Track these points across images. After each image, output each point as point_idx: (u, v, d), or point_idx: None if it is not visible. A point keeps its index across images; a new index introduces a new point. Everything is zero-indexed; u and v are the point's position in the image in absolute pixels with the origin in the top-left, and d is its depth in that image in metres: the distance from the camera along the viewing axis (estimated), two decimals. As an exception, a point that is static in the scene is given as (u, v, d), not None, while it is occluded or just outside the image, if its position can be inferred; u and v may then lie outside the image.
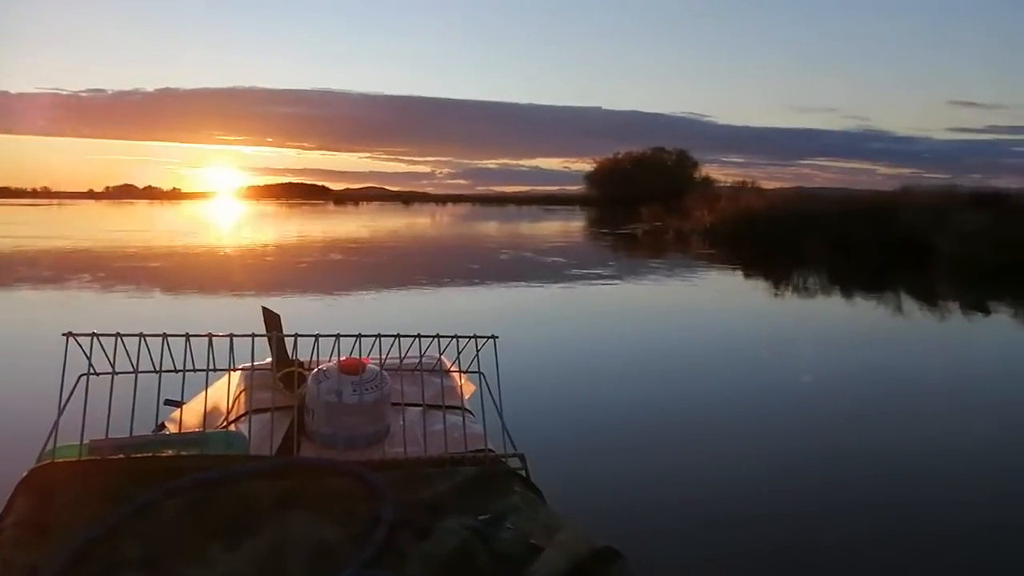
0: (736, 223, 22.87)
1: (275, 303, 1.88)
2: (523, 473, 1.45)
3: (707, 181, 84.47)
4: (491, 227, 38.56)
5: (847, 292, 12.99)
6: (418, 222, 42.72)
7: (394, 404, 1.59)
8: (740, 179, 31.80)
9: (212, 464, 1.30)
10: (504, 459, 1.47)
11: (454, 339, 1.66)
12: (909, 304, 11.46)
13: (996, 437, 4.89)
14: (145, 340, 1.46)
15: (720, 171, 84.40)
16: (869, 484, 4.05)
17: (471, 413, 1.70)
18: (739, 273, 16.78)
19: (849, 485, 4.04)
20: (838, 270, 16.27)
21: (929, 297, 12.39)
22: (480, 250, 21.38)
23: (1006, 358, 7.88)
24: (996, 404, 5.72)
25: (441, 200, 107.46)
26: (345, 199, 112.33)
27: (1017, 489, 4.06)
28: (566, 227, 37.01)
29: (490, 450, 1.51)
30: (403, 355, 1.67)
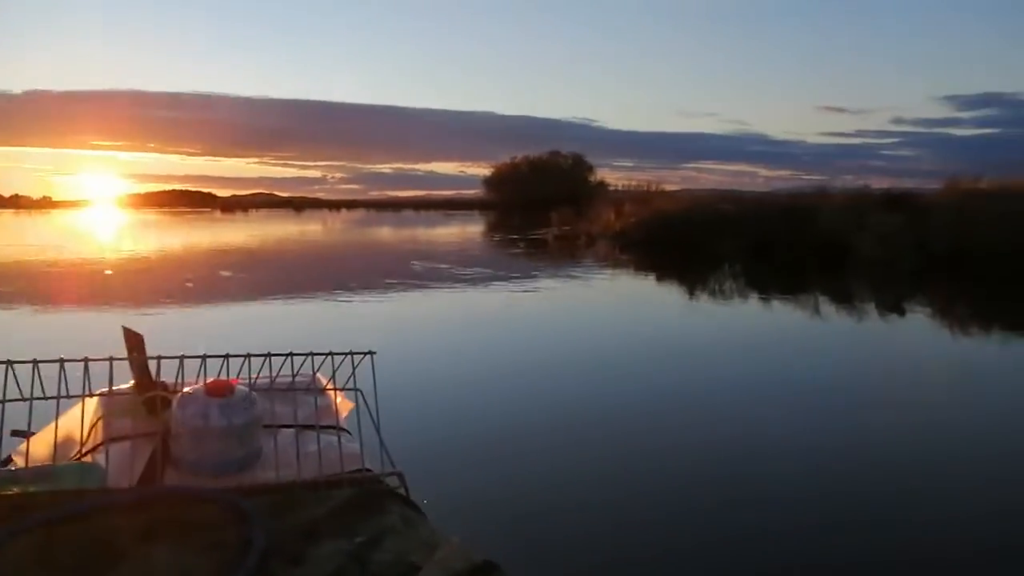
0: (649, 227, 22.83)
1: (139, 322, 1.79)
2: (402, 491, 1.44)
3: (602, 184, 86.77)
4: (389, 234, 38.09)
5: (766, 296, 13.07)
6: (309, 229, 41.72)
7: (266, 426, 1.54)
8: (639, 182, 32.34)
9: (64, 499, 1.23)
10: (382, 478, 1.45)
11: (329, 356, 1.62)
12: (830, 308, 11.64)
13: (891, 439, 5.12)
14: None
15: (612, 175, 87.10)
16: (756, 483, 4.23)
17: (348, 432, 1.66)
18: (651, 278, 16.91)
19: (733, 487, 4.20)
20: (758, 273, 16.42)
21: (853, 300, 12.61)
22: (379, 260, 20.96)
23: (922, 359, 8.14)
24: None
25: (335, 206, 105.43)
26: (233, 206, 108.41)
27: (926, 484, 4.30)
28: (470, 233, 36.75)
29: (367, 469, 1.48)
30: (275, 375, 1.63)
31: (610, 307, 12.24)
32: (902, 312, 11.45)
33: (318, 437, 1.54)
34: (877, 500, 4.02)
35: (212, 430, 1.43)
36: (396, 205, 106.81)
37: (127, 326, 1.67)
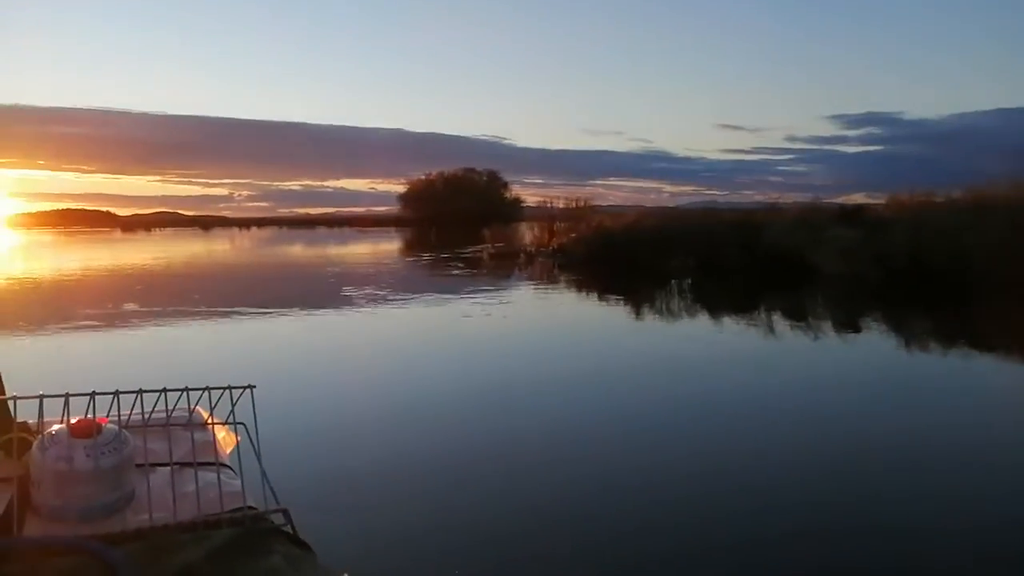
0: (591, 244, 22.36)
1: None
2: (288, 529, 1.37)
3: (517, 201, 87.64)
4: (305, 253, 37.03)
5: (720, 314, 12.69)
6: (217, 249, 40.36)
7: (139, 466, 1.45)
8: (567, 199, 31.32)
9: None
10: (266, 516, 1.38)
11: (206, 391, 1.54)
12: (803, 324, 11.47)
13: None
14: None
15: (522, 191, 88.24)
16: (694, 508, 4.27)
17: (230, 469, 1.57)
18: (594, 297, 16.52)
19: (668, 513, 4.24)
20: (708, 291, 16.07)
21: (828, 316, 12.58)
22: (301, 283, 20.20)
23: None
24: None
25: (244, 224, 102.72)
26: (134, 226, 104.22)
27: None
28: (393, 251, 35.73)
29: (251, 507, 1.40)
30: (150, 411, 1.53)
31: (538, 327, 12.23)
32: (886, 326, 11.45)
33: (196, 475, 1.44)
34: (838, 507, 4.15)
35: (77, 473, 1.32)
36: (309, 223, 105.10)
37: None
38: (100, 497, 1.35)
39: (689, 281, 17.35)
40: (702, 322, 12.27)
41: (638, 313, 13.51)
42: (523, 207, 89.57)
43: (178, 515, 1.34)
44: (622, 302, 15.30)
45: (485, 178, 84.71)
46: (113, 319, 11.97)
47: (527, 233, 28.42)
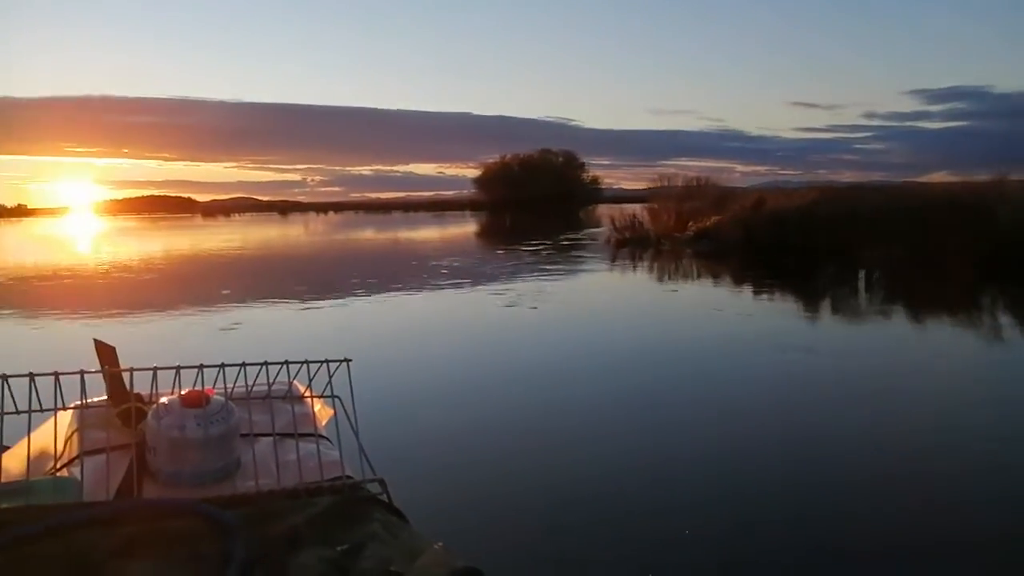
0: (753, 227, 19.01)
1: (111, 334, 1.81)
2: (384, 498, 1.45)
3: (595, 182, 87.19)
4: (391, 237, 36.84)
5: (951, 324, 10.12)
6: (301, 233, 41.24)
7: (244, 436, 1.56)
8: (688, 177, 28.21)
9: (37, 515, 1.23)
10: (363, 485, 1.47)
11: (304, 364, 1.64)
12: None
13: None
14: None
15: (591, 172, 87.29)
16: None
17: (327, 440, 1.68)
18: (754, 286, 13.90)
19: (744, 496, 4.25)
20: (926, 290, 12.80)
21: None
22: (413, 274, 17.53)
23: None
24: None
25: (320, 209, 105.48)
26: (214, 211, 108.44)
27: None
28: (482, 237, 34.38)
29: (348, 477, 1.50)
30: (252, 384, 1.65)
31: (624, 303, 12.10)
32: None
33: (297, 445, 1.55)
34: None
35: (189, 441, 1.44)
36: (383, 207, 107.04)
37: (98, 339, 1.68)
38: (210, 464, 1.47)
39: (884, 274, 14.22)
40: (934, 334, 9.44)
41: (839, 319, 10.77)
42: (601, 189, 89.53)
43: (281, 482, 1.44)
44: (812, 304, 12.08)
45: (561, 159, 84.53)
46: (217, 299, 12.63)
47: (660, 215, 24.47)
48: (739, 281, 14.75)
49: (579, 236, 28.80)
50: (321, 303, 12.00)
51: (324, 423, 1.74)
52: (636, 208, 27.58)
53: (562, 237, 28.70)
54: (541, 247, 24.22)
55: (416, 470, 4.13)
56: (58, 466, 1.56)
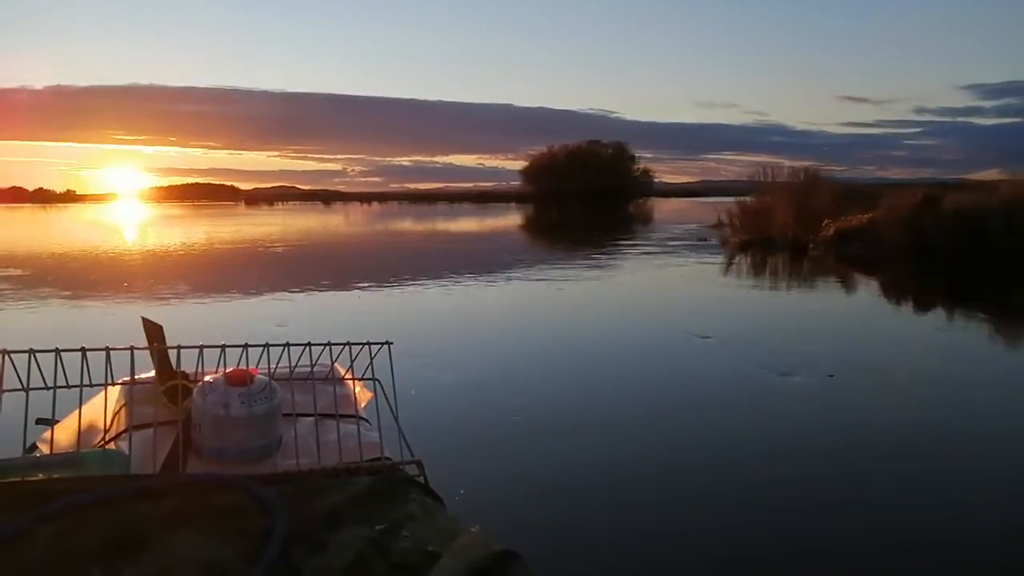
0: (921, 227, 16.18)
1: (159, 313, 1.88)
2: (421, 480, 1.50)
3: (647, 174, 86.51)
4: (444, 228, 36.40)
5: None
6: (350, 222, 41.33)
7: (286, 415, 1.62)
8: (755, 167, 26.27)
9: (88, 485, 1.30)
10: (401, 466, 1.51)
11: (347, 346, 1.69)
12: None
13: None
14: (10, 356, 1.44)
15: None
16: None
17: (367, 421, 1.73)
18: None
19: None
20: None
21: None
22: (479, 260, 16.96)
23: None
24: None
25: (364, 199, 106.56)
26: (257, 199, 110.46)
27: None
28: (557, 231, 31.07)
29: (387, 458, 1.55)
30: (294, 364, 1.70)
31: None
32: None
33: (337, 426, 1.61)
34: None
35: (233, 418, 1.51)
36: (428, 197, 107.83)
37: (146, 317, 1.76)
38: (253, 441, 1.53)
39: None
40: None
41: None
42: (653, 182, 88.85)
43: (321, 461, 1.50)
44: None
45: (611, 151, 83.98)
46: (267, 284, 12.96)
47: (737, 214, 22.32)
48: (953, 301, 11.97)
49: (670, 233, 26.09)
50: (377, 290, 12.30)
51: (364, 405, 1.79)
52: (726, 204, 25.80)
53: (650, 233, 26.61)
54: (644, 246, 21.54)
55: (454, 454, 4.21)
56: (107, 439, 1.64)
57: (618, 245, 21.97)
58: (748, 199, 24.92)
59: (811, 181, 22.62)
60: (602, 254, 19.41)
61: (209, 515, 1.28)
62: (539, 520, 3.62)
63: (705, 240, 22.98)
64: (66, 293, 11.83)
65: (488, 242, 25.34)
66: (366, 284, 12.93)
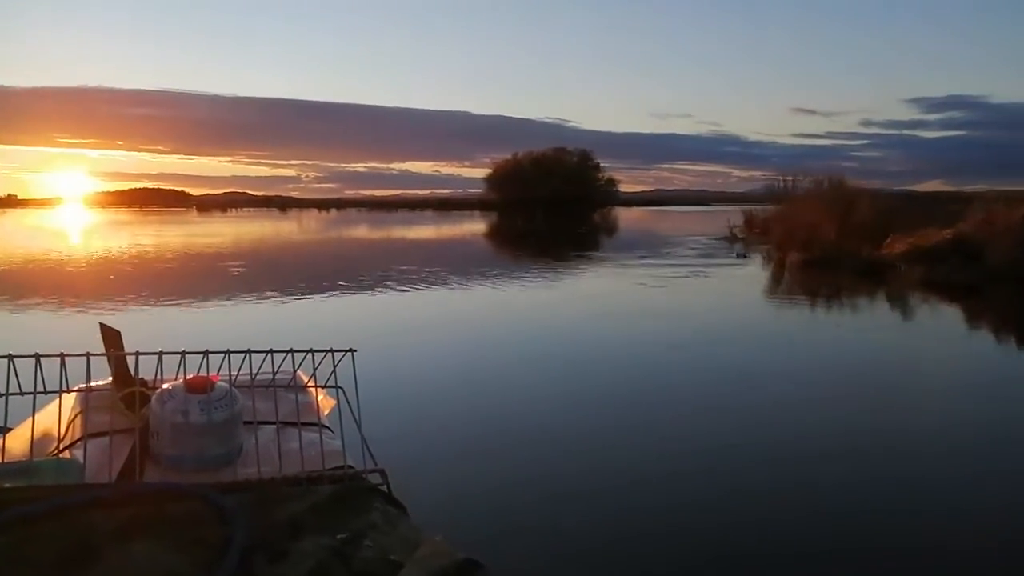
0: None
1: (116, 319, 1.88)
2: (384, 488, 1.53)
3: (611, 183, 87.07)
4: (413, 236, 36.04)
5: None
6: (317, 229, 40.77)
7: (247, 423, 1.63)
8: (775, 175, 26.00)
9: (40, 495, 1.30)
10: (364, 475, 1.54)
11: (309, 353, 1.71)
12: None
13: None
14: None
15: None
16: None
17: (330, 429, 1.75)
18: None
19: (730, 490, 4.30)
20: None
21: None
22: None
23: None
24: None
25: (322, 205, 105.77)
26: (208, 205, 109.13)
27: None
28: (556, 244, 28.16)
29: (350, 466, 1.57)
30: (256, 371, 1.71)
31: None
32: None
33: (299, 434, 1.62)
34: None
35: (192, 426, 1.52)
36: (388, 204, 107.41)
37: (104, 323, 1.76)
38: (212, 449, 1.54)
39: None
40: None
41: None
42: (618, 192, 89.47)
43: (283, 470, 1.51)
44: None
45: (576, 159, 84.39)
46: (238, 290, 13.02)
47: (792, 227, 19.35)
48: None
49: (692, 247, 24.15)
50: (357, 296, 12.42)
51: (327, 413, 1.81)
52: (738, 213, 25.85)
53: (668, 248, 24.26)
54: (676, 264, 18.69)
55: (417, 462, 4.27)
56: (61, 447, 1.63)
57: (643, 262, 19.57)
58: (758, 208, 25.41)
59: (846, 192, 20.65)
60: (631, 271, 17.27)
61: (166, 525, 1.29)
62: (503, 529, 3.69)
63: (745, 256, 21.06)
64: (12, 300, 11.72)
65: (475, 255, 24.74)
66: (335, 291, 13.03)
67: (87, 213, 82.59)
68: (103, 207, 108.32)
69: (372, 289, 13.44)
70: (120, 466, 1.50)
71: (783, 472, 4.72)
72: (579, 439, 5.21)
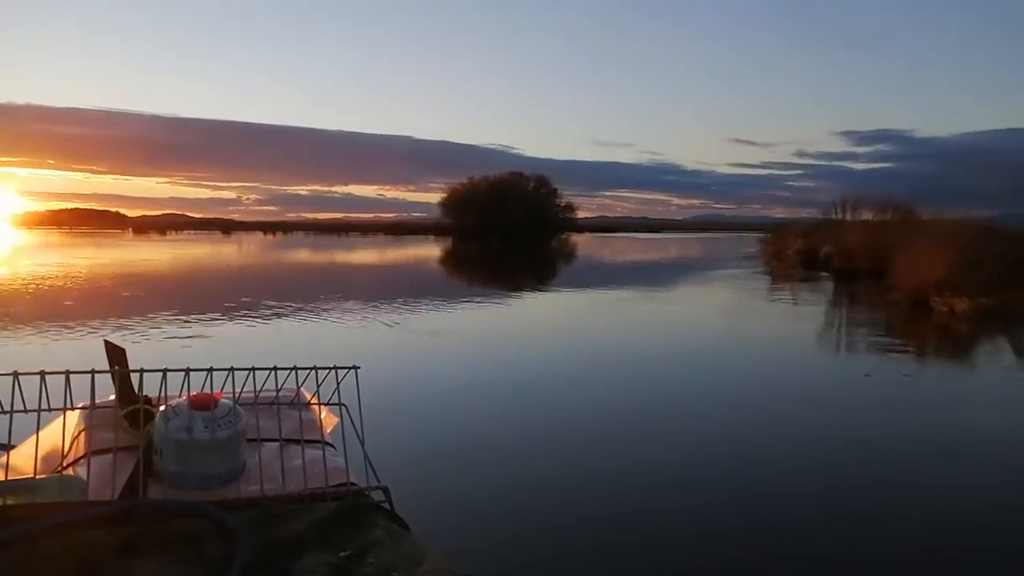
0: None
1: (120, 338, 1.93)
2: (387, 506, 1.60)
3: (569, 209, 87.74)
4: (375, 260, 36.25)
5: None
6: (278, 257, 40.22)
7: (250, 440, 1.69)
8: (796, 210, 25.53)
9: (44, 512, 1.34)
10: (367, 492, 1.61)
11: (313, 370, 1.78)
12: None
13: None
14: None
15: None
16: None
17: (332, 446, 1.81)
18: None
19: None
20: None
21: None
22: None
23: None
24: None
25: (267, 228, 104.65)
26: (146, 227, 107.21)
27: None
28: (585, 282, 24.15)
29: (352, 484, 1.63)
30: (259, 389, 1.78)
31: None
32: None
33: (303, 451, 1.69)
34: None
35: (196, 443, 1.57)
36: (338, 228, 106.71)
37: (109, 340, 1.81)
38: (216, 466, 1.60)
39: None
40: None
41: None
42: (576, 219, 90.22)
43: (286, 487, 1.58)
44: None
45: (533, 183, 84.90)
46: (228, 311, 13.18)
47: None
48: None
49: (743, 280, 22.82)
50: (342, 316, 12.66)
51: (330, 430, 1.88)
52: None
53: (708, 280, 23.51)
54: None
55: (420, 481, 4.37)
56: (64, 465, 1.68)
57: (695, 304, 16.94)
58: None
59: (970, 227, 18.10)
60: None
61: (169, 542, 1.34)
62: (504, 545, 3.81)
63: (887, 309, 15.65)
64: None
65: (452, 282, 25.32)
66: (334, 313, 13.36)
67: (14, 234, 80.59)
68: (32, 227, 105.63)
69: (374, 310, 13.81)
70: (123, 483, 1.55)
71: None
72: (583, 457, 5.39)
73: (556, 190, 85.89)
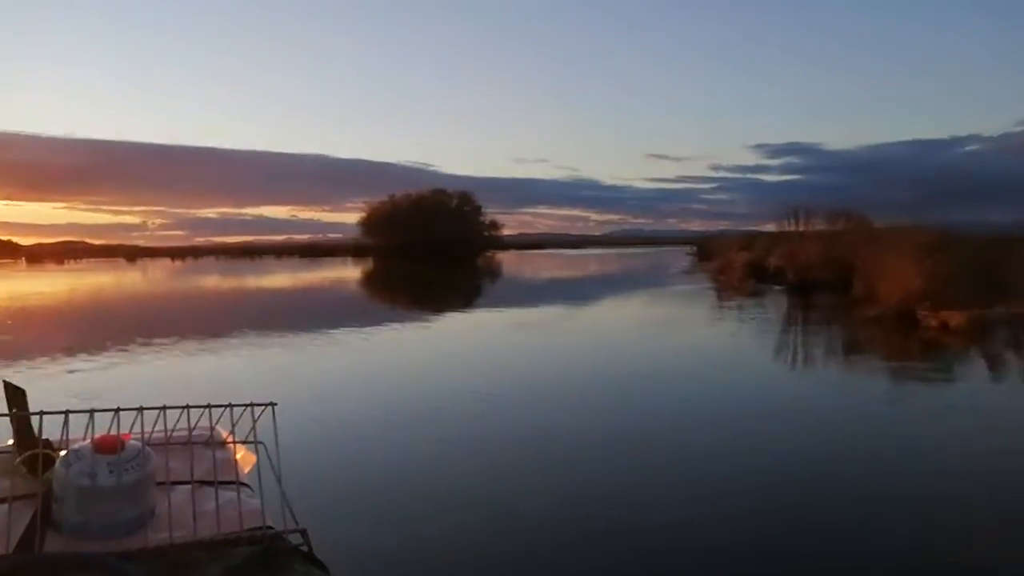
0: None
1: (21, 378, 1.85)
2: (305, 549, 1.55)
3: (494, 226, 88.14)
4: (303, 283, 35.48)
5: None
6: (179, 285, 39.30)
7: (160, 483, 1.62)
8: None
9: None
10: (284, 535, 1.56)
11: (228, 408, 1.73)
12: None
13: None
14: None
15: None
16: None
17: (249, 487, 1.75)
18: None
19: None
20: None
21: None
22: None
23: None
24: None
25: (174, 254, 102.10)
26: (41, 256, 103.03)
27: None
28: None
29: (269, 527, 1.58)
30: (171, 429, 1.71)
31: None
32: None
33: (216, 493, 1.62)
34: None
35: (99, 489, 1.50)
36: (252, 251, 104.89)
37: (8, 381, 1.73)
38: (121, 514, 1.53)
39: None
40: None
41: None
42: (502, 236, 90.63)
43: (198, 533, 1.52)
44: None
45: (456, 201, 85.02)
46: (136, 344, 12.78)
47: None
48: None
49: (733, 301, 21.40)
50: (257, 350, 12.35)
51: (247, 470, 1.82)
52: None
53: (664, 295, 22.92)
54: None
55: (339, 521, 4.29)
56: None
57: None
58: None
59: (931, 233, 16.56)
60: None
61: None
62: None
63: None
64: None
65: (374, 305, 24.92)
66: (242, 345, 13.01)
67: None
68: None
69: (291, 339, 13.59)
70: (19, 536, 1.47)
71: None
72: (514, 495, 5.28)
73: (480, 207, 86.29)
